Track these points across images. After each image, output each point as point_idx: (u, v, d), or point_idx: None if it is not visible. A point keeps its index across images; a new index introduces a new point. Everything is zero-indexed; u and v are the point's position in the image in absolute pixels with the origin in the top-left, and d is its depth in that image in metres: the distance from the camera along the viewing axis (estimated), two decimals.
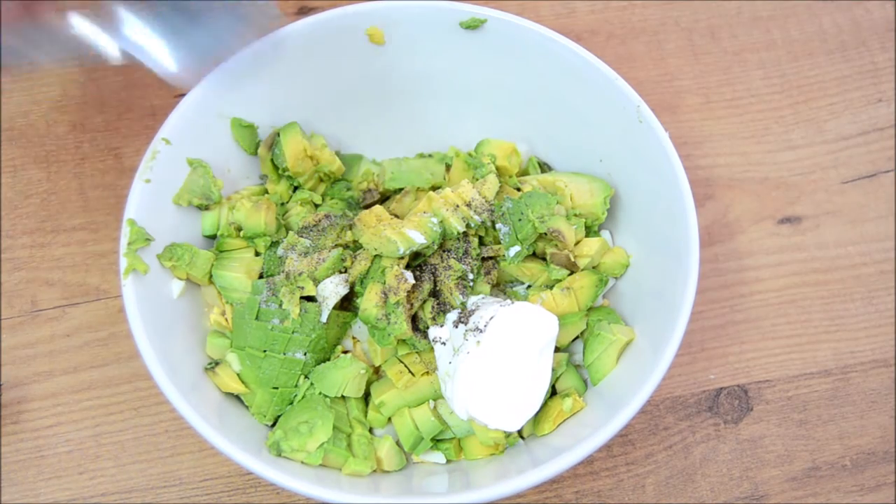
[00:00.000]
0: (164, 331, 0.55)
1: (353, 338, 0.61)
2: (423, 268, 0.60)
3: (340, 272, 0.59)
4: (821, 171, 0.76)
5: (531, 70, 0.64)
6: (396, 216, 0.62)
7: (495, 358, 0.55)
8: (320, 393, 0.57)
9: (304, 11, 0.80)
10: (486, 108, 0.68)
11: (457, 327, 0.57)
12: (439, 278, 0.59)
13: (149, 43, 0.53)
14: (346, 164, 0.68)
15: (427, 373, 0.58)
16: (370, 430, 0.59)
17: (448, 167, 0.66)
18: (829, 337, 0.70)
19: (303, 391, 0.58)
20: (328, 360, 0.59)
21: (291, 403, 0.58)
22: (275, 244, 0.62)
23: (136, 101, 0.76)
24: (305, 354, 0.57)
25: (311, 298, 0.58)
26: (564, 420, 0.57)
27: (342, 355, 0.58)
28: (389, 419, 0.59)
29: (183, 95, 0.59)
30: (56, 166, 0.73)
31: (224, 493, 0.63)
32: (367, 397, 0.60)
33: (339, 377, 0.57)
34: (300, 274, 0.58)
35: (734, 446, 0.66)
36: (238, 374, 0.58)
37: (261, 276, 0.61)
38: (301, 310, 0.57)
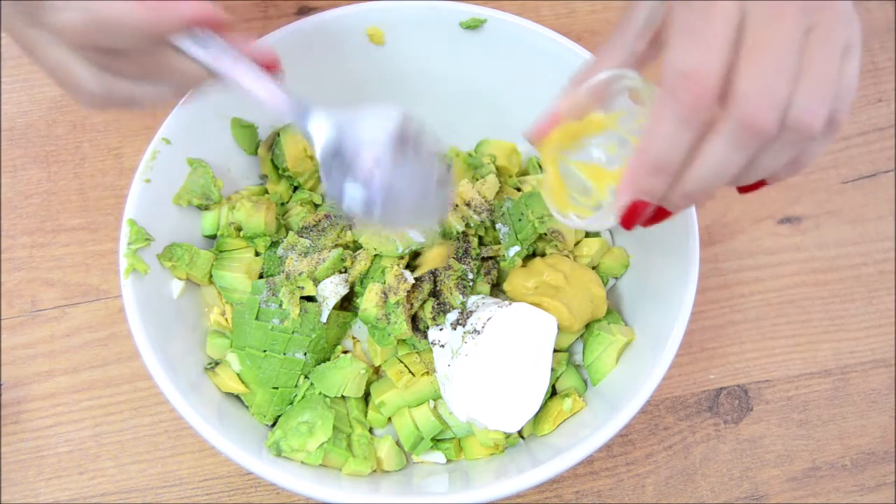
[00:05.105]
0: (164, 331, 0.55)
1: (353, 338, 0.61)
2: None
3: (340, 272, 0.59)
4: (821, 171, 0.76)
5: (531, 70, 0.64)
6: None
7: (493, 359, 0.55)
8: (320, 393, 0.57)
9: (304, 11, 0.80)
10: (486, 108, 0.68)
11: (455, 329, 0.57)
12: (439, 278, 0.59)
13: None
14: None
15: (427, 373, 0.58)
16: (370, 430, 0.59)
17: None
18: (829, 337, 0.69)
19: (303, 391, 0.57)
20: (328, 360, 0.59)
21: (291, 403, 0.58)
22: (275, 244, 0.62)
23: None
24: (305, 354, 0.57)
25: (311, 298, 0.58)
26: (564, 420, 0.57)
27: (342, 355, 0.58)
28: (389, 419, 0.59)
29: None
30: (56, 166, 0.73)
31: (224, 493, 0.63)
32: (367, 397, 0.60)
33: (339, 377, 0.57)
34: (300, 274, 0.58)
35: (734, 446, 0.66)
36: (238, 374, 0.58)
37: (261, 276, 0.61)
38: (301, 310, 0.57)
